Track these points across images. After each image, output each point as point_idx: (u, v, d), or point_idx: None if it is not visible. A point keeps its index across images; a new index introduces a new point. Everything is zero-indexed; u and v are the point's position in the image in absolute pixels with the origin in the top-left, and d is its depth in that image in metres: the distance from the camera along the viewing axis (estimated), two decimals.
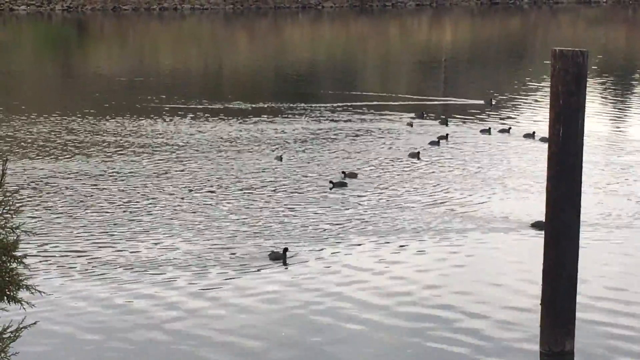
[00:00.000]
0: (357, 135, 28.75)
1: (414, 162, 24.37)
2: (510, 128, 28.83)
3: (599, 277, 14.80)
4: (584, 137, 11.51)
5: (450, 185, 21.70)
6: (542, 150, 24.07)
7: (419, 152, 25.15)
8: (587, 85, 11.54)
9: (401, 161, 24.59)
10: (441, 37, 73.47)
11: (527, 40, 71.55)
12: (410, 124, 29.95)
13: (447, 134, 27.84)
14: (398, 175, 22.93)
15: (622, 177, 22.37)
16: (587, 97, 11.48)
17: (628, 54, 60.83)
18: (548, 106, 11.54)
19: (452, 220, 18.41)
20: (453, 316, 13.27)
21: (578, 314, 11.84)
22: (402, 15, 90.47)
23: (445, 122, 30.36)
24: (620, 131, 29.46)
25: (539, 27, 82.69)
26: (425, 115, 32.06)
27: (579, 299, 11.81)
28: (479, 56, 59.37)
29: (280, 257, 15.77)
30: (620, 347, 12.20)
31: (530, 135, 27.47)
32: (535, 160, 24.13)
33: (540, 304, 11.74)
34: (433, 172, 23.29)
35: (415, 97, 37.72)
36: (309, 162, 24.51)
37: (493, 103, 35.09)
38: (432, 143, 26.90)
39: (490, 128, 29.05)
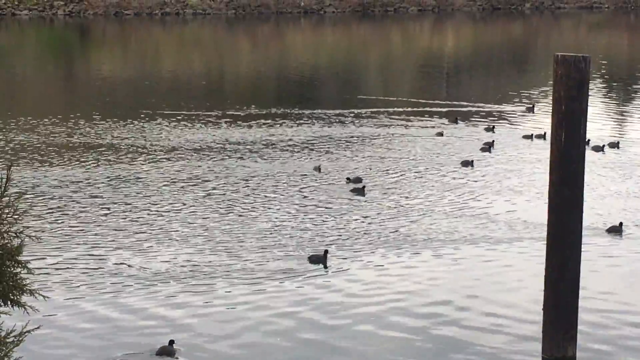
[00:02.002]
0: (390, 142, 27.99)
1: (468, 170, 23.64)
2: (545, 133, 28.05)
3: (601, 282, 14.81)
4: (586, 142, 11.55)
5: (509, 193, 21.22)
6: (594, 158, 24.10)
7: (472, 161, 24.36)
8: (589, 90, 11.58)
9: (454, 169, 23.83)
10: (445, 43, 73.45)
11: (530, 45, 71.51)
12: (441, 134, 28.97)
13: (493, 141, 27.05)
14: (454, 182, 22.40)
15: (624, 182, 22.37)
16: (589, 102, 11.53)
17: (630, 59, 60.80)
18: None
19: (497, 229, 18.16)
20: (457, 320, 13.32)
21: (580, 319, 11.85)
22: (404, 21, 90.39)
23: (491, 129, 29.67)
24: (622, 136, 29.44)
25: (541, 32, 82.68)
26: (458, 121, 31.47)
27: (581, 304, 11.82)
28: (491, 61, 59.26)
29: (320, 260, 15.65)
30: (622, 353, 12.22)
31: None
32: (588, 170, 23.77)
33: (543, 309, 11.77)
34: (491, 180, 22.58)
35: (441, 102, 36.95)
36: (342, 170, 23.78)
37: (534, 110, 34.20)
38: (482, 149, 26.24)
39: (532, 135, 28.27)
